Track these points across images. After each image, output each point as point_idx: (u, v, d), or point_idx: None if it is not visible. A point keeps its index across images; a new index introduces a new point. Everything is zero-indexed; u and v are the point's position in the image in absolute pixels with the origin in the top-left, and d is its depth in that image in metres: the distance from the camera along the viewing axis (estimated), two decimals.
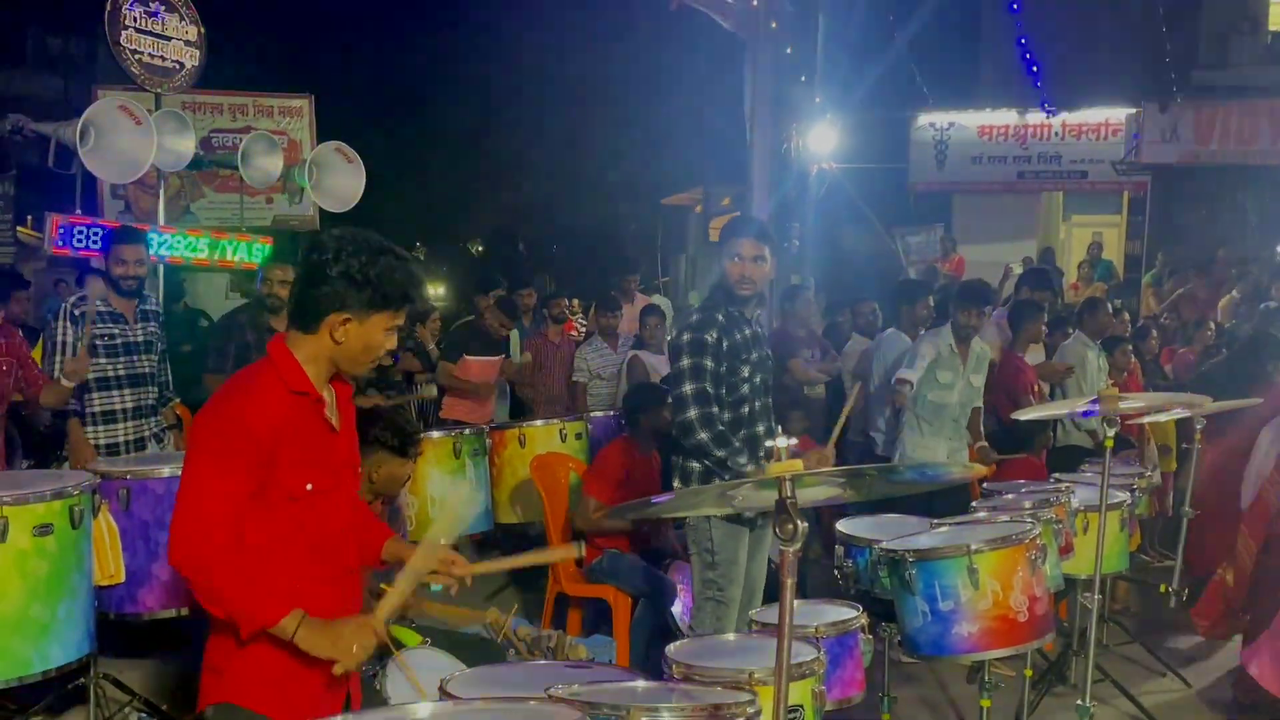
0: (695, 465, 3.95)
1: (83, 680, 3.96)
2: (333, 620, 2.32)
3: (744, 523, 3.92)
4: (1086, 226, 16.34)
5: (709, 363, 3.84)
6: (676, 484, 4.00)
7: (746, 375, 3.92)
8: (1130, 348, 7.17)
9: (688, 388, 3.84)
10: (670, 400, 4.07)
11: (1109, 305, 7.99)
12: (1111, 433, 3.52)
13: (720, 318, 3.91)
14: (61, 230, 6.85)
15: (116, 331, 4.88)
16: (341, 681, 2.43)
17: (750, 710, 2.33)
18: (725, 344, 3.87)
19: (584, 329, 8.72)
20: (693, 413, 3.82)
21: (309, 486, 2.36)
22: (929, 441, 5.48)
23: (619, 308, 7.55)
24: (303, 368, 2.38)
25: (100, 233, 6.71)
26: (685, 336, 3.92)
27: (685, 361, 3.87)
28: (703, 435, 3.80)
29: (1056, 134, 14.72)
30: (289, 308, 2.46)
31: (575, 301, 9.45)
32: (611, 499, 5.13)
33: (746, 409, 3.94)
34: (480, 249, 29.53)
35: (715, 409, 3.84)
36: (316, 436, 2.40)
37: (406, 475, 3.93)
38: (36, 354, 6.17)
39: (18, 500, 3.36)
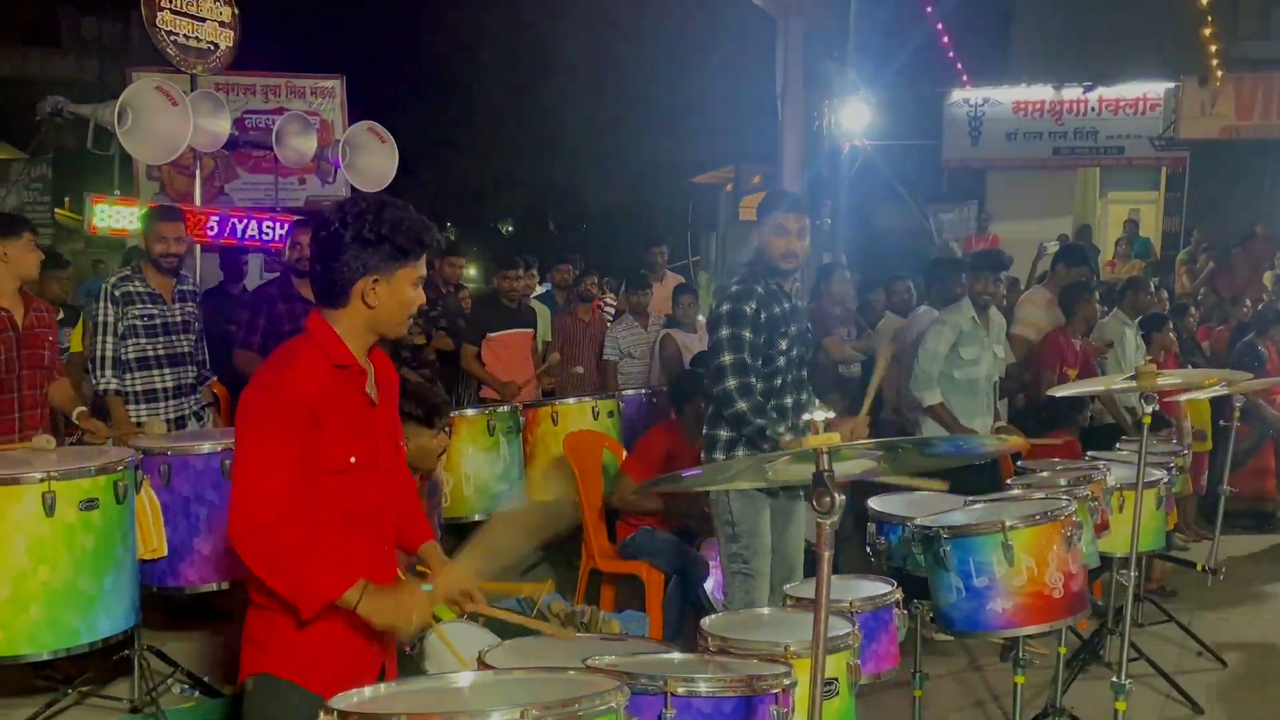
0: (723, 434, 3.95)
1: (127, 652, 4.03)
2: (392, 588, 2.35)
3: (764, 492, 3.90)
4: (1123, 203, 16.13)
5: (747, 333, 3.85)
6: (703, 455, 4.00)
7: (784, 348, 3.93)
8: (1170, 326, 7.10)
9: (726, 358, 3.85)
10: (707, 370, 4.07)
11: (1150, 285, 7.90)
12: (1149, 409, 3.49)
13: (760, 289, 3.91)
14: (100, 211, 6.93)
15: (155, 312, 4.93)
16: (378, 654, 2.47)
17: (786, 682, 2.35)
18: (764, 315, 3.87)
19: (612, 308, 8.70)
20: (731, 383, 3.82)
21: (352, 459, 2.38)
22: (965, 420, 5.44)
23: (649, 285, 7.53)
24: (343, 340, 2.39)
25: (137, 213, 6.78)
26: (725, 307, 3.92)
27: (724, 331, 3.87)
28: (741, 405, 3.80)
29: (1093, 109, 14.52)
30: (315, 289, 2.45)
31: (605, 280, 9.41)
32: (648, 479, 5.13)
33: (780, 380, 3.94)
34: (510, 229, 29.59)
35: (753, 379, 3.84)
36: (357, 409, 2.42)
37: (438, 448, 3.94)
38: (77, 334, 6.30)
39: (64, 475, 3.43)
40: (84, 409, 4.55)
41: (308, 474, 2.33)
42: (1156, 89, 14.28)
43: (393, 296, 2.38)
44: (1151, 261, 13.64)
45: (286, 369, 2.35)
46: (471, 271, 23.64)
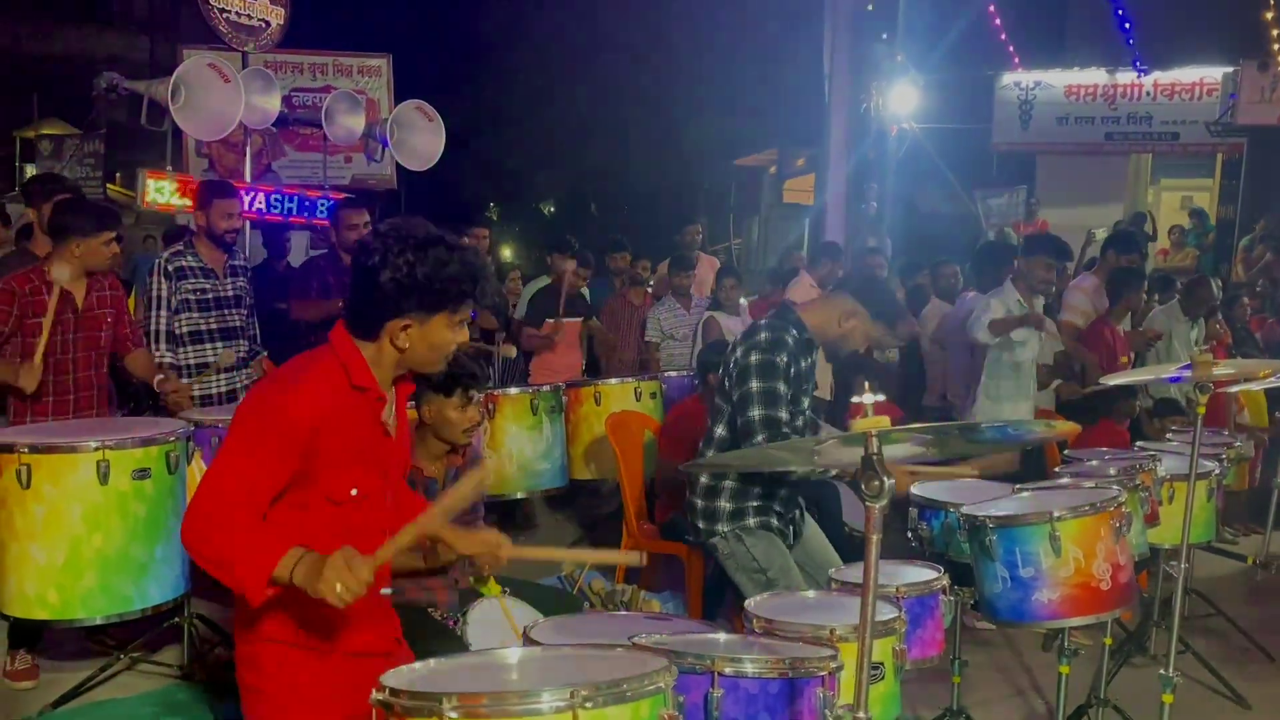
0: (725, 505, 3.78)
1: (177, 619, 4.13)
2: (327, 557, 2.05)
3: (775, 531, 3.78)
4: (1176, 190, 15.84)
5: (781, 387, 3.61)
6: (701, 525, 3.87)
7: (804, 407, 3.76)
8: (1220, 316, 6.98)
9: (756, 413, 3.59)
10: (737, 425, 3.71)
11: (1213, 285, 7.73)
12: (1204, 399, 3.43)
13: (790, 341, 3.67)
14: (152, 186, 7.03)
15: (208, 286, 5.01)
16: (375, 665, 2.21)
17: (832, 665, 2.35)
18: (793, 369, 3.66)
19: (650, 289, 8.70)
20: (761, 438, 3.57)
21: (354, 492, 2.22)
22: (1008, 405, 5.39)
23: (691, 267, 7.53)
24: (368, 365, 2.24)
25: (192, 189, 6.86)
26: (753, 357, 3.62)
27: (755, 384, 3.60)
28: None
29: (1148, 94, 14.22)
30: (346, 311, 2.30)
31: (645, 262, 9.41)
32: (687, 459, 5.15)
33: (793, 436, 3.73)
34: (552, 210, 29.61)
35: (786, 431, 3.62)
36: (368, 437, 2.26)
37: (462, 421, 3.72)
38: (129, 306, 6.40)
39: (119, 445, 3.50)
40: (163, 376, 4.65)
41: (301, 502, 2.19)
42: (1214, 73, 13.96)
43: (424, 341, 2.22)
44: (1206, 248, 13.38)
45: (294, 386, 2.18)
46: (507, 253, 23.68)
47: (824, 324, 3.74)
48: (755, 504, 3.75)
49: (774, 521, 3.77)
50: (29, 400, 4.29)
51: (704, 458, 3.83)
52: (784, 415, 3.59)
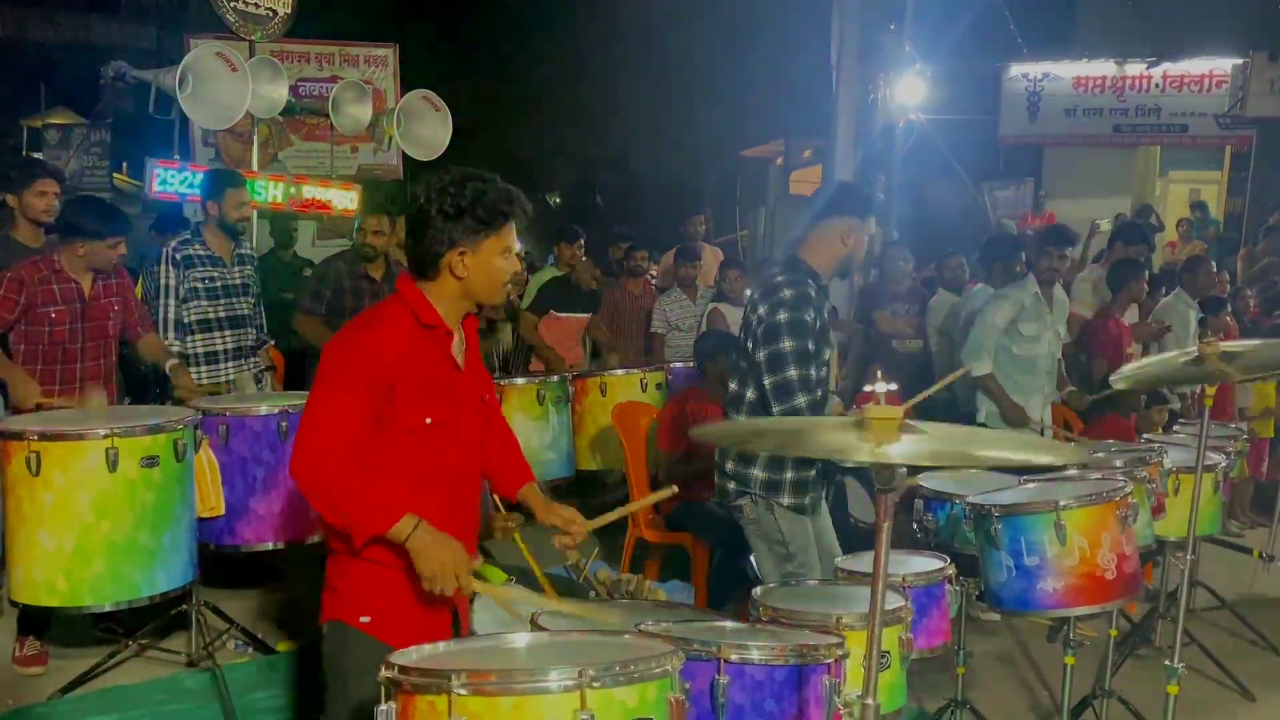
0: (758, 473, 3.74)
1: (185, 607, 4.14)
2: (448, 538, 2.39)
3: (806, 512, 3.77)
4: (1184, 183, 15.75)
5: (810, 345, 3.61)
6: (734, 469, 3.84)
7: (825, 358, 3.78)
8: (1229, 310, 6.96)
9: (792, 373, 3.56)
10: (773, 389, 3.64)
11: (1213, 265, 7.74)
12: (1211, 390, 3.42)
13: (812, 294, 3.67)
14: (160, 175, 7.03)
15: (215, 274, 5.02)
16: (447, 602, 2.52)
17: (839, 653, 2.35)
18: (818, 323, 3.66)
19: (653, 280, 8.69)
20: (802, 400, 3.54)
21: (427, 420, 2.45)
22: (1023, 398, 5.38)
23: (697, 257, 7.52)
24: (433, 305, 2.48)
25: (199, 178, 6.87)
26: (781, 315, 3.58)
27: (787, 344, 3.56)
28: (799, 400, 3.59)
29: (1156, 85, 14.15)
30: (409, 262, 2.54)
31: (642, 253, 9.38)
32: (686, 450, 5.18)
33: (820, 393, 3.73)
34: (558, 201, 29.59)
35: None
36: (439, 371, 2.49)
37: None
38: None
39: (126, 432, 3.51)
40: (176, 361, 4.67)
41: (384, 432, 2.41)
42: (1224, 65, 13.88)
43: (479, 267, 2.45)
44: (1213, 239, 13.32)
45: (371, 330, 2.44)
46: (519, 247, 23.65)
47: (831, 255, 3.72)
48: (791, 476, 3.69)
49: (806, 500, 3.73)
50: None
51: (733, 420, 3.78)
52: (814, 373, 3.61)
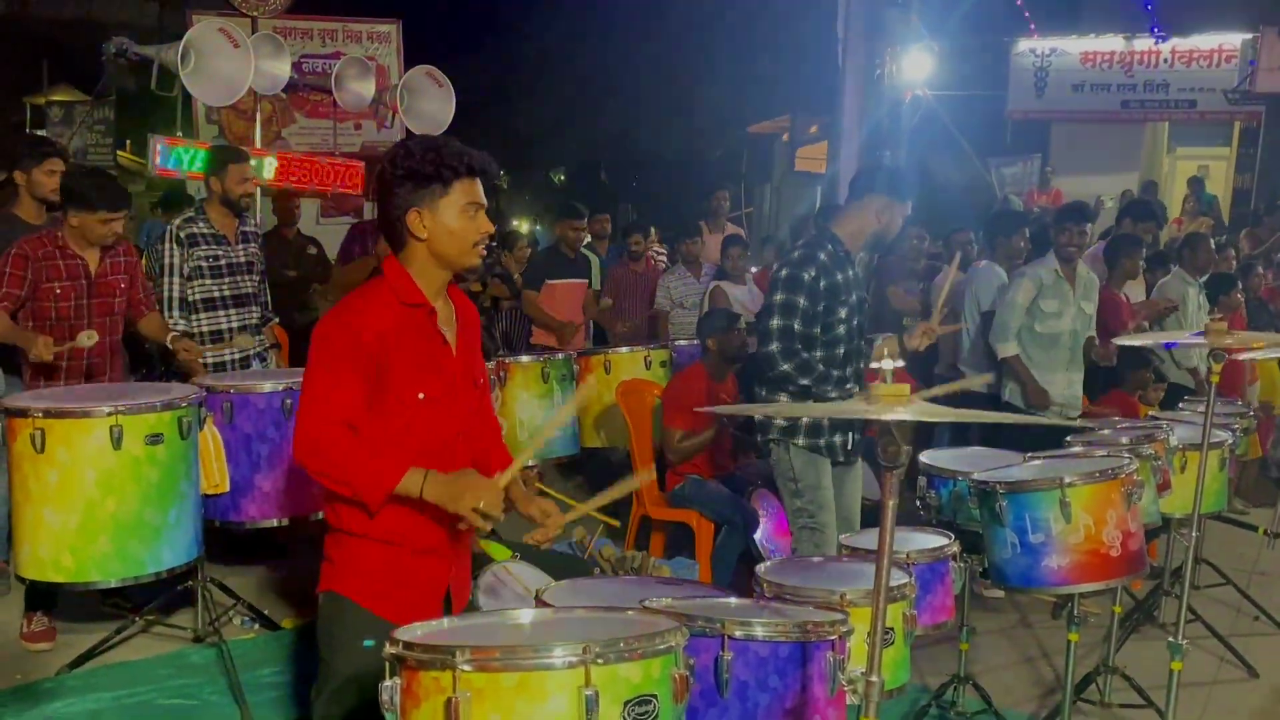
0: (781, 399, 3.93)
1: (191, 583, 4.16)
2: (459, 475, 2.40)
3: (823, 453, 3.94)
4: (1192, 159, 15.66)
5: (802, 300, 3.84)
6: (760, 419, 4.01)
7: (843, 317, 3.91)
8: (1240, 287, 6.92)
9: (774, 322, 3.87)
10: (757, 332, 4.07)
11: (1211, 241, 7.69)
12: (1218, 368, 3.40)
13: (822, 256, 3.89)
14: (163, 152, 7.01)
15: (220, 252, 4.99)
16: (443, 578, 2.54)
17: (843, 629, 2.35)
18: (824, 283, 3.86)
19: (660, 259, 8.65)
20: (774, 346, 3.85)
21: (420, 395, 2.47)
22: (1043, 375, 5.36)
23: (700, 234, 7.49)
24: (415, 281, 2.48)
25: (201, 155, 6.84)
26: (783, 272, 3.91)
27: (778, 296, 3.88)
28: (785, 366, 3.84)
29: (1165, 61, 14.05)
30: (385, 237, 2.56)
31: (653, 230, 9.30)
32: (691, 427, 5.19)
33: (841, 350, 3.93)
34: (562, 178, 29.50)
35: (798, 345, 3.84)
36: (428, 346, 2.50)
37: None
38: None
39: (131, 410, 3.51)
40: (176, 333, 4.65)
41: (379, 408, 2.44)
42: (1233, 40, 13.76)
43: (439, 226, 2.45)
44: (1218, 219, 13.24)
45: (356, 310, 2.45)
46: (525, 226, 23.57)
47: (861, 228, 3.97)
48: (806, 421, 3.92)
49: (821, 442, 3.93)
50: (42, 366, 4.30)
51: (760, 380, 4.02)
52: (798, 326, 3.83)
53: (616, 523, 5.52)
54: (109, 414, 3.47)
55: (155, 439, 3.56)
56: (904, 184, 4.03)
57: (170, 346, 4.62)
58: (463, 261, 2.52)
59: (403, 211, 2.44)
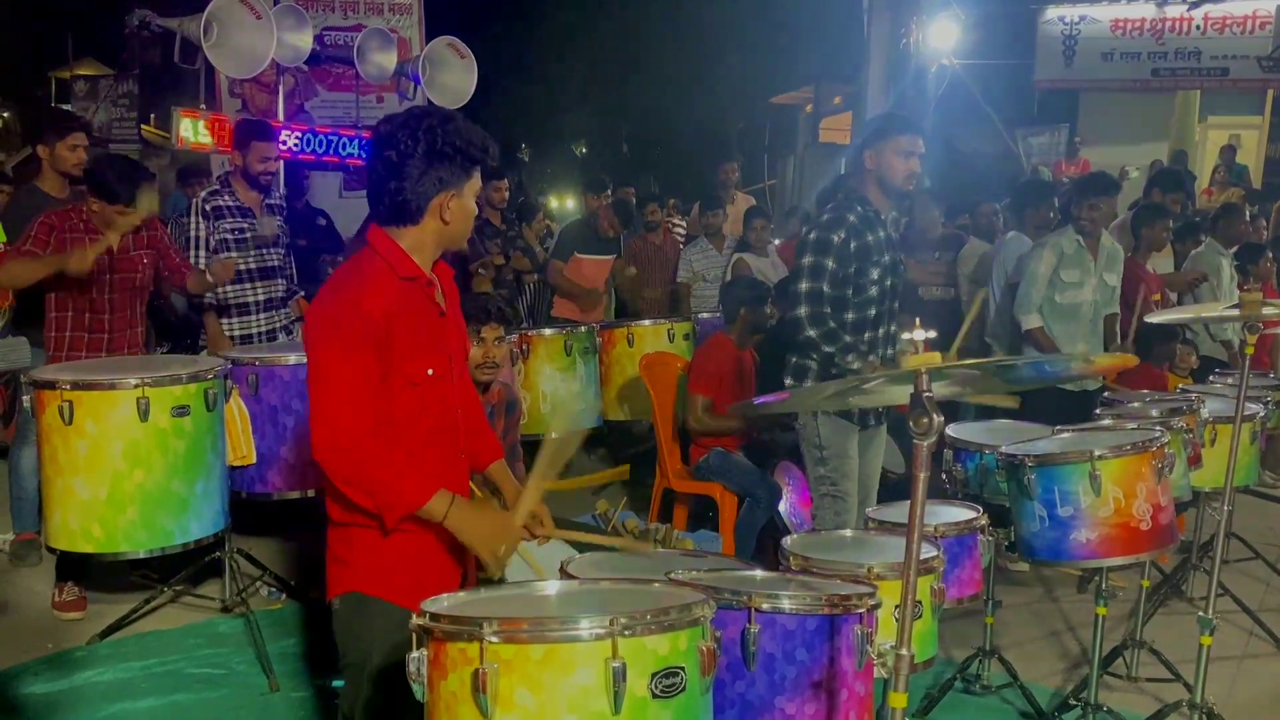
0: (811, 364, 3.93)
1: (218, 554, 4.20)
2: (482, 505, 2.36)
3: (851, 420, 3.92)
4: (1223, 128, 15.38)
5: (830, 263, 3.81)
6: (789, 381, 3.99)
7: (876, 278, 3.87)
8: (1270, 256, 6.81)
9: (803, 285, 3.83)
10: (785, 296, 4.05)
11: (1245, 212, 7.57)
12: (1253, 339, 3.35)
13: (852, 218, 3.85)
14: (186, 126, 7.02)
15: (245, 226, 5.00)
16: (457, 564, 2.48)
17: (871, 603, 2.34)
18: (853, 245, 3.82)
19: (682, 230, 8.61)
20: (802, 310, 3.81)
21: (430, 371, 2.38)
22: (1063, 347, 5.30)
23: (721, 206, 7.44)
24: (408, 254, 2.38)
25: (227, 128, 6.84)
26: (812, 235, 3.89)
27: (807, 259, 3.84)
28: (811, 332, 3.80)
29: (1197, 27, 13.75)
30: (381, 208, 2.39)
31: (671, 202, 9.23)
32: (717, 395, 5.17)
33: (873, 311, 3.90)
34: (584, 150, 29.39)
35: (827, 309, 3.81)
36: (429, 321, 2.41)
37: (475, 358, 3.74)
38: None
39: (157, 382, 3.53)
40: (203, 269, 4.68)
41: (385, 389, 2.32)
42: (1268, 5, 13.46)
43: (462, 209, 2.39)
44: (1249, 189, 13.03)
45: (356, 287, 2.31)
46: (553, 203, 23.49)
47: (868, 182, 3.90)
48: (834, 387, 3.83)
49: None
50: (66, 336, 4.32)
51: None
52: (827, 289, 3.81)
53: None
54: (136, 386, 3.49)
55: (182, 411, 3.58)
56: (884, 124, 3.97)
57: (210, 277, 4.61)
58: (461, 244, 2.50)
59: (434, 191, 2.33)
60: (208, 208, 4.90)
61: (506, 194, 7.03)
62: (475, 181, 2.40)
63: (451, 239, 2.43)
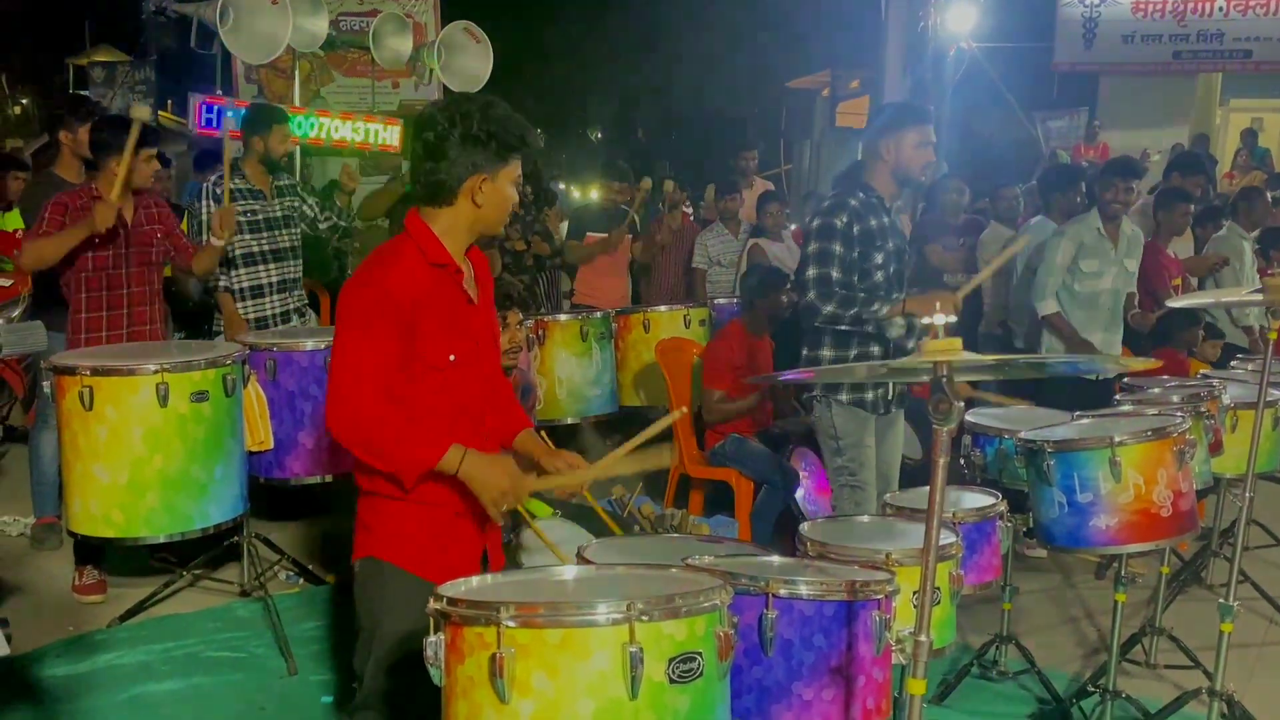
0: (824, 354, 3.91)
1: (237, 539, 4.21)
2: (496, 459, 2.39)
3: (867, 408, 3.90)
4: (1245, 112, 15.23)
5: (838, 247, 3.78)
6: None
7: (880, 263, 3.85)
8: None
9: (810, 272, 3.81)
10: (796, 285, 4.04)
11: (1267, 195, 7.49)
12: (1276, 324, 3.31)
13: (854, 203, 3.83)
14: (204, 111, 7.03)
15: (257, 207, 5.01)
16: (479, 539, 2.53)
17: (889, 589, 2.33)
18: (857, 229, 3.80)
19: (690, 215, 8.58)
20: (811, 294, 3.79)
21: (452, 358, 2.42)
22: (1080, 333, 5.27)
23: (738, 191, 7.41)
24: (440, 240, 2.43)
25: (242, 113, 6.85)
26: (815, 222, 3.88)
27: (812, 246, 3.82)
28: (827, 309, 3.76)
29: (1220, 9, 13.58)
30: (420, 188, 2.45)
31: (683, 193, 9.19)
32: (732, 386, 5.16)
33: (881, 295, 3.85)
34: (599, 136, 29.34)
35: (837, 289, 3.77)
36: (456, 308, 2.45)
37: (504, 342, 3.77)
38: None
39: (176, 368, 3.54)
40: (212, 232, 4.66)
41: (410, 371, 2.38)
42: None
43: (497, 194, 2.42)
44: (1271, 172, 12.89)
45: (387, 268, 2.38)
46: (576, 192, 23.45)
47: (879, 171, 3.88)
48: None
49: (866, 396, 3.90)
50: (85, 316, 4.33)
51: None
52: (835, 274, 3.79)
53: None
54: (155, 372, 3.50)
55: (200, 396, 3.59)
56: (898, 113, 3.98)
57: (214, 230, 4.60)
58: (496, 231, 2.54)
59: (467, 174, 2.38)
60: (219, 191, 4.90)
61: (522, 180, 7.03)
62: (512, 169, 2.43)
63: (485, 224, 2.47)
